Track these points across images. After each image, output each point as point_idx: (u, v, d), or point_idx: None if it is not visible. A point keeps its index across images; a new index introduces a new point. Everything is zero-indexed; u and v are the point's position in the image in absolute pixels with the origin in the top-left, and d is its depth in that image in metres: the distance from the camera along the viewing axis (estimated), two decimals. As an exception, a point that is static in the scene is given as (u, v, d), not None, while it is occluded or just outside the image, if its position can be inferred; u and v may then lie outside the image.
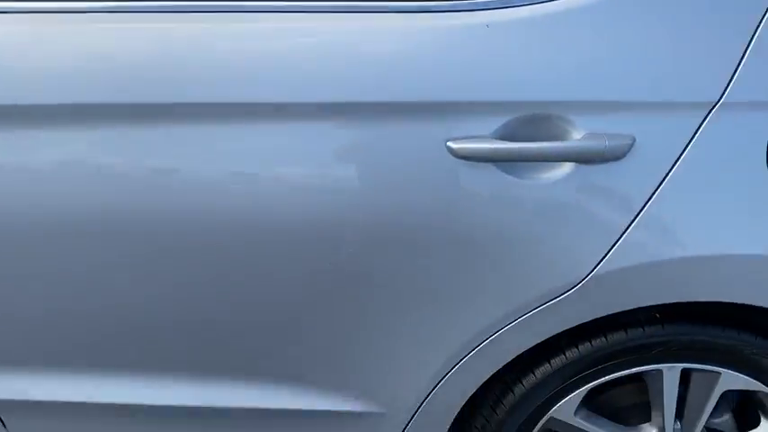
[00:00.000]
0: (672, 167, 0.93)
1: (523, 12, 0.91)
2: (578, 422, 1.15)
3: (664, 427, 1.15)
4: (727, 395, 1.17)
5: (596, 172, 0.94)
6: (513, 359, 1.10)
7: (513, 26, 0.92)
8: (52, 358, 1.16)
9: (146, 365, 1.15)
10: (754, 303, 1.00)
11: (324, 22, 0.94)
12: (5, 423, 1.26)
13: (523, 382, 1.11)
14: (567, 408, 1.13)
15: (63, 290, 1.06)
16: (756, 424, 1.18)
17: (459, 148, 0.92)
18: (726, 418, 1.22)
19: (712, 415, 1.20)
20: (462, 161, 0.93)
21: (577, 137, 0.92)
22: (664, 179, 0.93)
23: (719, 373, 1.08)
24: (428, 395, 1.11)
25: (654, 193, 0.94)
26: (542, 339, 1.04)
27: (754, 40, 0.89)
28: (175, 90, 0.94)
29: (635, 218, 0.94)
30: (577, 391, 1.11)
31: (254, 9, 0.94)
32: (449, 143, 0.93)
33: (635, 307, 1.00)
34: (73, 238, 1.01)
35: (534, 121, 0.93)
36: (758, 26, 0.89)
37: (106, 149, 0.97)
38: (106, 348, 1.14)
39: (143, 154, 0.96)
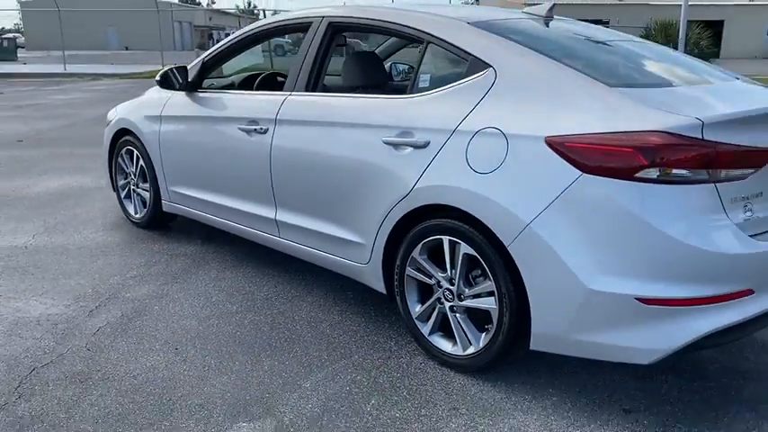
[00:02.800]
0: (438, 152, 2.65)
1: None
2: (421, 259, 2.82)
3: (448, 272, 2.72)
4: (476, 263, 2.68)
5: (417, 151, 2.72)
6: (402, 232, 2.86)
7: None
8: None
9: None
10: (461, 207, 2.58)
11: None
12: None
13: (404, 240, 2.86)
14: (416, 252, 2.83)
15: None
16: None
17: (388, 140, 2.83)
18: (481, 277, 2.68)
19: (475, 281, 2.69)
20: (386, 146, 2.83)
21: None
22: (435, 156, 2.66)
23: (460, 243, 2.64)
24: (375, 238, 2.95)
25: (432, 160, 2.67)
26: (404, 214, 2.79)
27: None
28: None
29: (425, 169, 2.69)
30: (419, 245, 2.80)
31: None
32: (383, 139, 2.84)
33: (424, 204, 2.69)
34: None
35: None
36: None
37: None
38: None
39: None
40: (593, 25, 3.54)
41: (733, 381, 2.75)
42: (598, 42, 3.16)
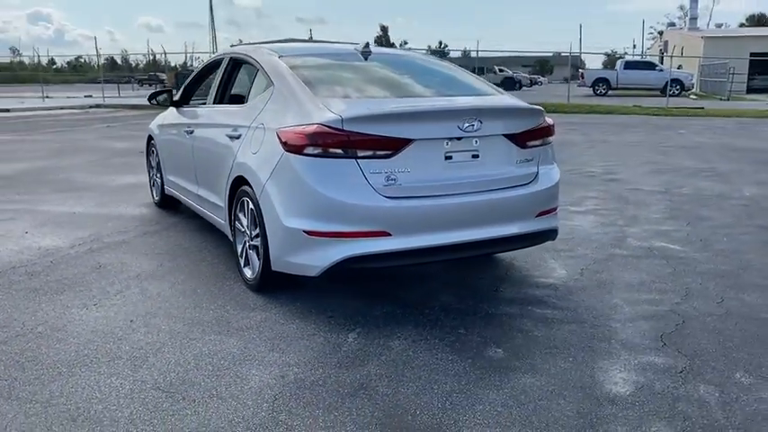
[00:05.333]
0: (243, 140, 4.04)
1: None
2: (240, 214, 4.22)
3: (247, 221, 4.07)
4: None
5: (236, 140, 4.14)
6: (232, 197, 4.28)
7: None
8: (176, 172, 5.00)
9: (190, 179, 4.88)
10: (245, 176, 3.95)
11: None
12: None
13: (234, 197, 4.25)
14: (237, 210, 4.22)
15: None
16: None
17: (228, 134, 4.28)
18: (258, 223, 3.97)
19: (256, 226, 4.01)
20: (227, 138, 4.29)
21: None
22: (241, 144, 4.06)
23: (249, 201, 3.98)
24: (226, 197, 4.39)
25: (240, 146, 4.07)
26: (230, 183, 4.19)
27: None
28: None
29: (237, 152, 4.09)
30: (238, 204, 4.20)
31: None
32: (225, 133, 4.30)
33: (237, 175, 4.08)
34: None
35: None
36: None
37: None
38: (190, 174, 4.92)
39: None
40: (409, 56, 4.79)
41: (433, 313, 3.78)
42: (383, 69, 4.39)
